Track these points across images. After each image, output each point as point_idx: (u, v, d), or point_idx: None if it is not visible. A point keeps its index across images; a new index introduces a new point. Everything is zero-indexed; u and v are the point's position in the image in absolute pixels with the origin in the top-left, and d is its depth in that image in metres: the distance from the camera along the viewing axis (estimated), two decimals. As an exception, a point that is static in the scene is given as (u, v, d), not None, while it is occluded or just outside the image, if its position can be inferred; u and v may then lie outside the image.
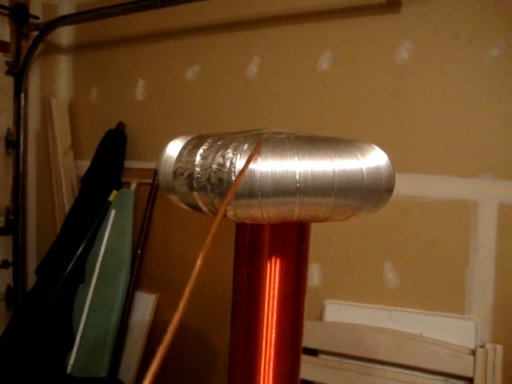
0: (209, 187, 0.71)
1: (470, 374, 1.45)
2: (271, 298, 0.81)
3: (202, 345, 1.95)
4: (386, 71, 1.65)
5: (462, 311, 1.54)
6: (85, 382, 1.90)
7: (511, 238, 1.49)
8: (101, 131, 2.21)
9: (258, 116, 1.88)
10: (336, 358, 1.64)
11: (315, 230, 1.73)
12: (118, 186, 2.18)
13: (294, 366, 0.87)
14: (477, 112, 1.52)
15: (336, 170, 0.67)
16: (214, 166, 0.70)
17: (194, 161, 0.74)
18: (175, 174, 0.78)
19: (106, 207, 2.14)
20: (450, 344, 1.50)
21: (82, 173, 2.24)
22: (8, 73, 2.19)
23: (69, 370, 1.99)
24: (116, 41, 2.26)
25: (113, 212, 2.12)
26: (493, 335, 1.51)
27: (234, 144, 0.70)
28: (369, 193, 0.70)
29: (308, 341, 1.64)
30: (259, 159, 0.67)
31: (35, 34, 2.20)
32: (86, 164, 2.25)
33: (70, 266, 2.04)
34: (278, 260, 0.81)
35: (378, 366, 1.58)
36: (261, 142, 0.69)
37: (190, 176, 0.74)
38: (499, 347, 1.44)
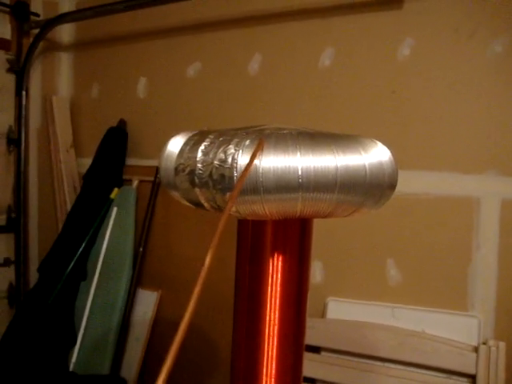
0: (210, 183, 0.71)
1: (472, 371, 1.44)
2: (273, 294, 0.81)
3: (205, 341, 1.95)
4: (388, 67, 1.64)
5: (465, 308, 1.54)
6: (87, 379, 1.90)
7: (514, 235, 1.49)
8: (102, 129, 2.20)
9: (260, 113, 1.88)
10: (338, 356, 1.63)
11: (318, 227, 1.73)
12: (120, 183, 2.18)
13: (297, 364, 0.86)
14: (479, 108, 1.52)
15: (339, 165, 0.67)
16: (216, 162, 0.70)
17: (196, 157, 0.73)
18: (177, 170, 0.78)
19: (107, 205, 2.14)
20: (453, 341, 1.50)
21: (84, 170, 2.24)
22: (9, 70, 2.19)
23: (71, 368, 1.99)
24: (117, 38, 2.26)
25: (114, 210, 2.12)
26: (495, 332, 1.50)
27: (236, 140, 0.70)
28: (372, 189, 0.69)
29: (310, 338, 1.64)
30: (259, 155, 0.66)
31: (36, 31, 2.20)
32: (87, 162, 2.25)
33: (72, 264, 2.04)
34: (281, 257, 0.81)
35: (380, 363, 1.58)
36: (263, 138, 0.68)
37: (192, 172, 0.73)
38: (502, 344, 1.44)
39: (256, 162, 0.66)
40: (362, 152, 0.69)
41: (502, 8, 1.48)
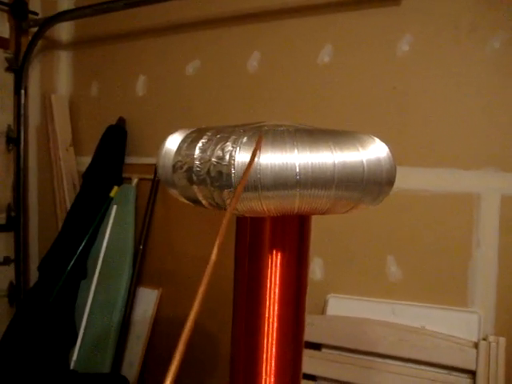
0: (208, 180, 0.71)
1: (472, 367, 1.44)
2: (272, 291, 0.81)
3: (206, 337, 1.95)
4: (387, 64, 1.64)
5: (465, 304, 1.54)
6: (88, 377, 1.90)
7: (514, 231, 1.48)
8: (101, 127, 2.20)
9: (260, 110, 1.88)
10: (339, 352, 1.64)
11: (317, 224, 1.73)
12: (120, 181, 2.18)
13: (296, 360, 0.87)
14: (479, 104, 1.51)
15: (336, 162, 0.67)
16: (214, 159, 0.70)
17: (193, 154, 0.73)
18: (174, 167, 0.78)
19: (107, 203, 2.14)
20: (453, 337, 1.50)
21: (83, 169, 2.24)
22: (8, 69, 2.18)
23: (72, 366, 1.99)
24: (116, 36, 2.25)
25: (114, 208, 2.12)
26: (496, 328, 1.50)
27: (234, 137, 0.70)
28: (369, 185, 0.69)
29: (311, 335, 1.64)
30: (258, 152, 0.66)
31: (35, 29, 2.19)
32: (86, 160, 2.25)
33: (72, 262, 2.04)
34: (279, 253, 0.81)
35: (380, 360, 1.58)
36: (262, 136, 0.68)
37: (190, 169, 0.73)
38: (502, 340, 1.44)
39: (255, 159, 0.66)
40: (360, 148, 0.69)
41: (500, 4, 1.48)
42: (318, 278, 1.76)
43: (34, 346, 1.94)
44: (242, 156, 0.67)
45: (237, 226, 0.85)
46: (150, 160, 2.11)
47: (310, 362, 1.63)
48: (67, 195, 2.26)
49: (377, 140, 0.74)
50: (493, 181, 1.50)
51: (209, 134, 0.75)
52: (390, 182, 0.74)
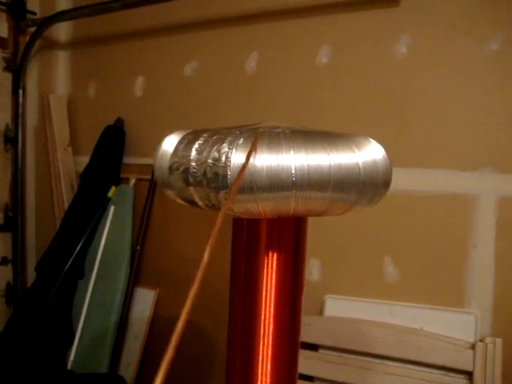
0: (204, 182, 0.71)
1: (469, 368, 1.45)
2: (268, 292, 0.81)
3: (202, 338, 1.95)
4: (385, 65, 1.64)
5: (462, 305, 1.54)
6: (85, 377, 1.90)
7: (510, 232, 1.48)
8: (99, 127, 2.20)
9: (258, 111, 1.88)
10: (336, 353, 1.64)
11: (315, 225, 1.73)
12: (117, 182, 2.18)
13: (292, 361, 0.87)
14: (476, 105, 1.52)
15: (332, 163, 0.67)
16: (210, 161, 0.70)
17: (190, 155, 0.73)
18: (171, 168, 0.78)
19: (105, 203, 2.14)
20: (450, 338, 1.50)
21: (81, 169, 2.24)
22: (6, 69, 2.18)
23: (69, 366, 1.99)
24: (114, 36, 2.25)
25: (112, 208, 2.12)
26: (492, 329, 1.50)
27: (230, 138, 0.70)
28: (365, 187, 0.70)
29: (308, 336, 1.64)
30: (254, 153, 0.66)
31: (33, 29, 2.19)
32: (84, 160, 2.24)
33: (70, 263, 2.04)
34: (275, 255, 0.81)
35: (378, 361, 1.58)
36: (257, 137, 0.68)
37: (186, 171, 0.74)
38: (499, 341, 1.44)
39: (250, 160, 0.66)
40: (356, 150, 0.69)
41: (498, 4, 1.48)
42: (315, 278, 1.76)
43: (31, 347, 1.94)
44: (238, 157, 0.67)
45: (233, 227, 0.85)
46: (148, 160, 2.11)
47: (307, 363, 1.63)
48: (65, 195, 2.26)
49: (373, 142, 0.74)
50: (490, 182, 1.50)
51: (205, 135, 0.75)
52: (386, 183, 0.74)
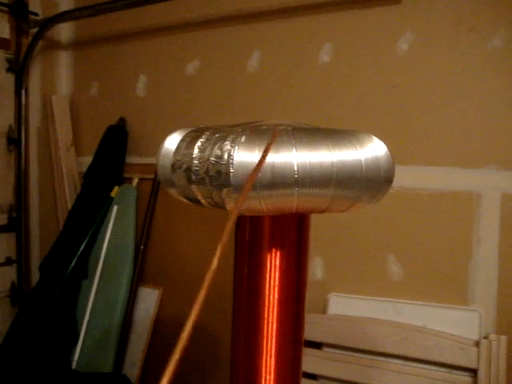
0: (207, 180, 0.71)
1: (474, 366, 1.44)
2: (272, 291, 0.81)
3: (206, 337, 1.96)
4: (388, 62, 1.64)
5: (466, 303, 1.54)
6: (90, 377, 1.91)
7: (514, 229, 1.48)
8: (102, 127, 2.21)
9: (260, 109, 1.88)
10: (340, 351, 1.64)
11: (319, 223, 1.73)
12: (120, 181, 2.18)
13: (296, 359, 0.87)
14: (479, 102, 1.51)
15: (334, 160, 0.67)
16: (212, 159, 0.70)
17: (192, 153, 0.73)
18: (173, 167, 0.78)
19: (108, 203, 2.14)
20: (454, 336, 1.49)
21: (84, 169, 2.25)
22: (8, 70, 2.19)
23: (73, 366, 1.99)
24: (116, 36, 2.25)
25: (115, 208, 2.13)
26: (497, 326, 1.50)
27: (232, 136, 0.70)
28: (368, 183, 0.69)
29: (312, 334, 1.64)
30: (257, 151, 0.66)
31: (35, 30, 2.19)
32: (87, 160, 2.25)
33: (73, 263, 2.05)
34: (279, 252, 0.81)
35: (381, 359, 1.58)
36: (277, 132, 0.68)
37: (188, 169, 0.74)
38: (503, 338, 1.44)
39: (252, 158, 0.66)
40: (358, 147, 0.69)
41: (502, 2, 1.48)
42: (319, 277, 1.76)
43: (35, 346, 1.94)
44: (240, 155, 0.67)
45: (236, 225, 0.85)
46: (151, 160, 2.12)
47: (311, 361, 1.63)
48: (68, 195, 2.27)
49: (375, 139, 0.74)
50: (493, 179, 1.50)
51: (207, 133, 0.75)
52: (389, 180, 0.74)
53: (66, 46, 2.41)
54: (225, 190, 0.69)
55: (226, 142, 0.70)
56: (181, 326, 0.36)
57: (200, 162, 0.72)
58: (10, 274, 2.24)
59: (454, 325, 1.53)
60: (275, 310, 0.82)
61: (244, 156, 0.67)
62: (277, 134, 0.67)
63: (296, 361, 0.86)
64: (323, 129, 0.74)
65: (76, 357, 2.00)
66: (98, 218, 2.12)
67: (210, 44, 1.99)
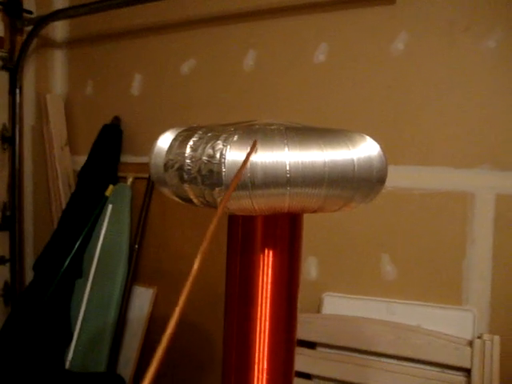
0: (199, 179, 0.71)
1: (467, 365, 1.45)
2: (264, 289, 0.81)
3: (198, 336, 1.95)
4: (382, 62, 1.64)
5: (460, 302, 1.54)
6: (83, 377, 1.90)
7: (508, 229, 1.48)
8: (97, 126, 2.20)
9: (255, 109, 1.88)
10: (334, 351, 1.64)
11: (312, 223, 1.73)
12: (115, 180, 2.18)
13: (289, 358, 0.87)
14: (473, 102, 1.51)
15: (326, 160, 0.67)
16: (204, 158, 0.70)
17: (184, 153, 0.73)
18: (166, 166, 0.78)
19: (102, 202, 2.14)
20: (448, 335, 1.50)
21: (79, 168, 2.24)
22: (2, 68, 2.18)
23: (67, 366, 1.99)
24: (111, 35, 2.25)
25: (110, 207, 2.12)
26: (490, 326, 1.51)
27: (224, 135, 0.70)
28: (360, 183, 0.69)
29: (306, 333, 1.64)
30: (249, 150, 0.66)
31: (29, 28, 2.18)
32: (82, 159, 2.24)
33: (68, 262, 2.04)
34: (271, 252, 0.81)
35: (375, 358, 1.58)
36: (256, 141, 0.68)
37: (181, 168, 0.73)
38: (496, 338, 1.44)
39: (244, 157, 0.66)
40: (350, 147, 0.69)
41: (497, 1, 1.48)
42: (313, 276, 1.76)
43: (29, 346, 1.93)
44: (232, 154, 0.67)
45: (228, 224, 0.85)
46: (145, 159, 2.11)
47: (305, 361, 1.63)
48: (62, 194, 2.26)
49: (368, 138, 0.74)
50: (487, 179, 1.50)
51: (200, 132, 0.74)
52: (381, 180, 0.74)
53: (60, 44, 2.40)
54: (217, 189, 0.69)
55: (219, 142, 0.69)
56: (176, 324, 0.36)
57: (192, 161, 0.72)
58: (3, 273, 2.23)
59: (448, 324, 1.53)
60: (268, 309, 0.81)
61: (236, 155, 0.67)
62: (256, 144, 0.67)
63: (288, 360, 0.86)
64: (316, 128, 0.73)
65: (70, 356, 2.00)
66: (93, 217, 2.12)
67: (206, 43, 1.99)
